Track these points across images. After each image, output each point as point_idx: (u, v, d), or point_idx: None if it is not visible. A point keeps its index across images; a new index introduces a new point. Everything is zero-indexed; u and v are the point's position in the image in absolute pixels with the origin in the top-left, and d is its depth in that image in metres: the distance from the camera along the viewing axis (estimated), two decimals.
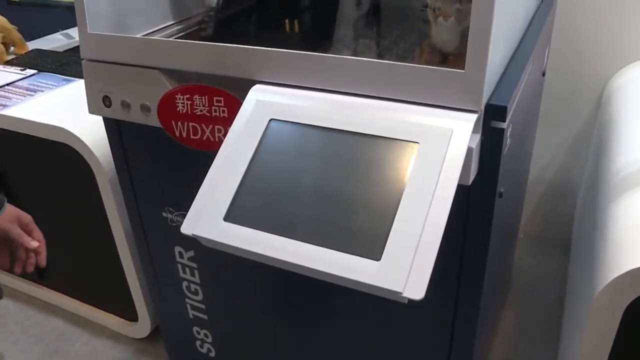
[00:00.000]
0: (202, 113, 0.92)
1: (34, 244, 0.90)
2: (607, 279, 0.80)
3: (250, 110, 0.82)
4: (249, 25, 1.30)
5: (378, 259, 0.67)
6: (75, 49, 1.82)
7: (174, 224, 1.17)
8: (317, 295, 1.08)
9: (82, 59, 1.01)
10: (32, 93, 1.48)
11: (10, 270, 0.91)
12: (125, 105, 1.01)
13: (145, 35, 1.10)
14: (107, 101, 1.03)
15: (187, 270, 1.23)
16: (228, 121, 0.90)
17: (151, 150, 1.09)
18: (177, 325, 1.38)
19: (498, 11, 0.70)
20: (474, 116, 0.74)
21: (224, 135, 0.89)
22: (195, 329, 1.34)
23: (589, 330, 0.85)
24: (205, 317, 1.30)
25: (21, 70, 1.64)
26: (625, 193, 0.99)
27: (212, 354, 1.37)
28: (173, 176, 1.10)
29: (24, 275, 1.75)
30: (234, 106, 0.88)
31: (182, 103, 0.93)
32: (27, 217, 0.91)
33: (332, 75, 0.81)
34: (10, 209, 0.88)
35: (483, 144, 0.78)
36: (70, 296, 1.72)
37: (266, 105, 0.82)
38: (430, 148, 0.72)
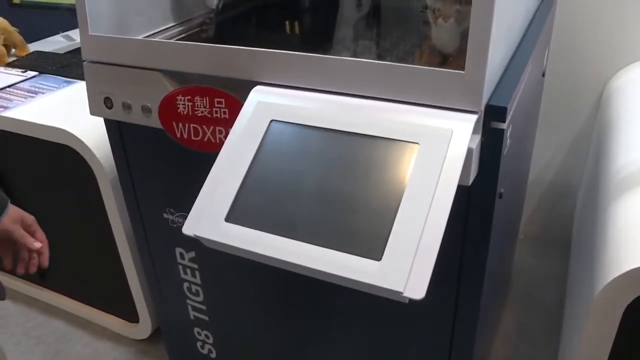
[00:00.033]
0: (203, 114, 0.93)
1: (37, 244, 0.91)
2: (607, 279, 0.80)
3: (251, 111, 0.83)
4: (250, 27, 1.31)
5: (379, 259, 0.67)
6: (76, 51, 1.82)
7: (175, 225, 1.17)
8: (318, 296, 1.09)
9: (84, 61, 1.02)
10: (33, 95, 1.49)
11: (13, 271, 0.91)
12: (127, 107, 1.01)
13: (146, 36, 1.10)
14: (108, 102, 1.03)
15: (188, 271, 1.23)
16: (229, 122, 0.90)
17: (152, 151, 1.10)
18: (178, 326, 1.38)
19: (498, 12, 0.70)
20: (474, 117, 0.74)
21: (225, 137, 0.90)
22: (196, 330, 1.35)
23: (589, 330, 0.85)
24: (206, 318, 1.30)
25: (22, 72, 1.64)
26: (625, 193, 1.00)
27: (213, 355, 1.38)
28: (174, 177, 1.11)
29: (25, 277, 1.75)
30: (234, 107, 0.89)
31: (183, 104, 0.94)
32: (30, 218, 0.91)
33: (332, 77, 0.81)
34: (13, 210, 0.89)
35: (483, 144, 0.78)
36: (71, 297, 1.72)
37: (267, 106, 0.82)
38: (430, 149, 0.72)
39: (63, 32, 1.99)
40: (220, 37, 1.19)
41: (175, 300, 1.31)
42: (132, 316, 1.58)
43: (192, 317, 1.32)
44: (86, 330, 1.67)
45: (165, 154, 1.08)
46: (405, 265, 0.65)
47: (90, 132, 1.30)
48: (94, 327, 1.68)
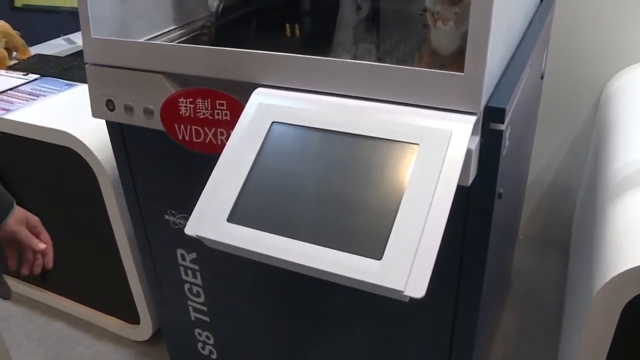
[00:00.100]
0: (204, 116, 0.94)
1: (42, 245, 0.92)
2: (606, 278, 0.81)
3: (253, 113, 0.84)
4: (250, 30, 1.31)
5: (379, 258, 0.68)
6: (77, 54, 1.83)
7: (177, 227, 1.18)
8: (318, 297, 1.09)
9: (86, 63, 1.02)
10: (35, 97, 1.49)
11: (17, 271, 0.92)
12: (129, 109, 1.02)
13: (148, 39, 1.11)
14: (110, 105, 1.04)
15: (189, 272, 1.24)
16: (230, 124, 0.91)
17: (154, 153, 1.10)
18: (179, 328, 1.39)
19: (496, 14, 0.71)
20: (473, 118, 0.75)
21: (227, 139, 0.90)
22: (197, 331, 1.35)
23: (589, 329, 0.86)
24: (207, 319, 1.30)
25: (24, 75, 1.65)
26: (624, 193, 1.00)
27: (214, 356, 1.38)
28: (175, 179, 1.11)
29: (27, 279, 1.76)
30: (236, 109, 0.89)
31: (184, 106, 0.95)
32: (35, 220, 0.92)
33: (333, 79, 0.82)
34: (19, 211, 0.90)
35: (482, 145, 0.79)
36: (73, 299, 1.73)
37: (268, 108, 0.83)
38: (430, 149, 0.73)
39: (64, 35, 2.00)
40: (222, 39, 1.20)
41: (176, 301, 1.32)
42: (132, 318, 1.59)
43: (193, 318, 1.33)
44: (87, 332, 1.68)
45: (166, 156, 1.09)
46: (406, 264, 0.66)
47: (91, 134, 1.30)
48: (95, 329, 1.68)
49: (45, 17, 1.89)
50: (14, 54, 1.80)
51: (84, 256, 1.56)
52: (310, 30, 1.28)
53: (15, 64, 1.74)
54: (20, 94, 1.52)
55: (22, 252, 0.92)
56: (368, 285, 0.67)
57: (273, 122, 0.82)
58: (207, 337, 1.35)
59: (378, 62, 0.80)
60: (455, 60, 0.92)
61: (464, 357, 1.02)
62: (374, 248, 0.68)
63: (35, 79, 1.62)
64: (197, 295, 1.27)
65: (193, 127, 0.96)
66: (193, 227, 0.78)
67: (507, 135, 0.82)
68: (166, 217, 1.18)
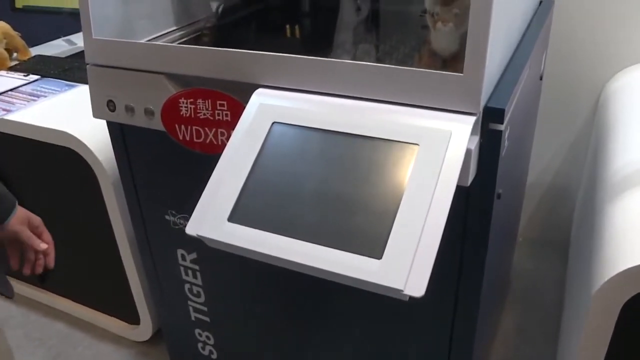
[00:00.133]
0: (205, 117, 0.94)
1: (43, 246, 0.92)
2: (605, 277, 0.81)
3: (254, 113, 0.84)
4: (251, 31, 1.32)
5: (379, 257, 0.68)
6: (78, 55, 1.84)
7: (177, 227, 1.18)
8: (318, 297, 1.10)
9: (87, 64, 1.03)
10: (36, 98, 1.50)
11: (19, 271, 0.92)
12: (130, 110, 1.02)
13: (149, 40, 1.11)
14: (111, 105, 1.05)
15: (190, 272, 1.24)
16: (231, 124, 0.91)
17: (154, 153, 1.11)
18: (179, 328, 1.39)
19: (496, 16, 0.72)
20: (473, 118, 0.75)
21: (227, 139, 0.91)
22: (197, 331, 1.35)
23: (588, 328, 0.86)
24: (207, 319, 1.31)
25: (24, 76, 1.65)
26: (623, 194, 1.01)
27: (214, 356, 1.38)
28: (176, 179, 1.12)
29: (27, 279, 1.76)
30: (236, 110, 0.90)
31: (185, 107, 0.95)
32: (36, 220, 0.93)
33: (333, 79, 0.82)
34: (21, 211, 0.90)
35: (482, 145, 0.79)
36: (73, 300, 1.73)
37: (269, 108, 0.84)
38: (429, 149, 0.73)
39: (64, 36, 2.00)
40: (222, 40, 1.20)
41: (176, 301, 1.32)
42: (133, 318, 1.59)
43: (193, 319, 1.33)
44: (87, 332, 1.68)
45: (167, 156, 1.09)
46: (406, 263, 0.66)
47: (92, 134, 1.31)
48: (95, 329, 1.68)
49: (46, 18, 1.90)
50: (15, 54, 1.80)
51: (85, 256, 1.56)
52: (310, 31, 1.29)
53: (15, 64, 1.75)
54: (21, 95, 1.53)
55: (24, 252, 0.92)
56: (368, 285, 0.68)
57: (273, 123, 0.82)
58: (207, 337, 1.35)
59: (378, 63, 0.80)
60: (455, 61, 0.93)
61: (464, 357, 1.02)
62: (374, 247, 0.69)
63: (36, 80, 1.63)
64: (198, 295, 1.27)
65: (194, 127, 0.96)
66: (194, 227, 0.79)
67: (506, 135, 0.82)
68: (167, 217, 1.18)
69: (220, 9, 1.25)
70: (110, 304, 1.65)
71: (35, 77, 1.64)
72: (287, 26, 1.24)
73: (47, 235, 0.94)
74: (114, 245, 1.43)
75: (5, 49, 1.74)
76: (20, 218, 0.89)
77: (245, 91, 0.88)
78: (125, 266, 1.46)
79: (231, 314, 1.27)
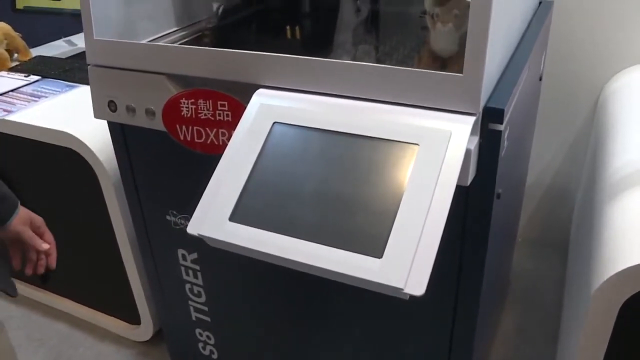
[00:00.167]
0: (206, 117, 0.94)
1: (45, 246, 0.92)
2: (604, 277, 0.82)
3: (254, 113, 0.84)
4: (251, 32, 1.32)
5: (380, 256, 0.68)
6: (78, 56, 1.84)
7: (178, 227, 1.18)
8: (319, 297, 1.10)
9: (88, 65, 1.03)
10: (36, 99, 1.50)
11: (21, 271, 0.93)
12: (131, 110, 1.03)
13: (150, 41, 1.12)
14: (112, 106, 1.05)
15: (190, 272, 1.25)
16: (232, 125, 0.92)
17: (155, 154, 1.11)
18: (179, 328, 1.39)
19: (495, 16, 0.72)
20: (472, 119, 0.76)
21: (228, 139, 0.91)
22: (197, 331, 1.36)
23: (587, 327, 0.87)
24: (208, 319, 1.31)
25: (25, 76, 1.66)
26: (622, 194, 1.01)
27: (215, 356, 1.39)
28: (177, 179, 1.12)
29: (28, 280, 1.76)
30: (237, 110, 0.90)
31: (186, 107, 0.95)
32: (39, 220, 0.93)
33: (334, 80, 0.83)
34: (23, 212, 0.90)
35: (481, 145, 0.80)
36: (74, 300, 1.73)
37: (270, 108, 0.84)
38: (429, 149, 0.74)
39: (65, 37, 2.01)
40: (223, 41, 1.21)
41: (177, 301, 1.32)
42: (133, 318, 1.59)
43: (193, 319, 1.33)
44: (88, 332, 1.68)
45: (168, 157, 1.09)
46: (406, 262, 0.67)
47: (92, 135, 1.31)
48: (96, 330, 1.69)
49: (46, 19, 1.90)
50: (15, 55, 1.81)
51: (85, 257, 1.57)
52: (310, 32, 1.29)
53: (16, 65, 1.75)
54: (21, 96, 1.53)
55: (26, 252, 0.93)
56: (369, 283, 0.68)
57: (274, 123, 0.83)
58: (207, 337, 1.35)
59: (378, 63, 0.81)
60: (455, 61, 0.93)
61: (464, 357, 1.02)
62: (375, 247, 0.69)
63: (37, 81, 1.63)
64: (198, 295, 1.28)
65: (194, 127, 0.96)
66: (195, 226, 0.79)
67: (505, 135, 0.83)
68: (167, 217, 1.19)
69: (220, 10, 1.25)
70: (111, 304, 1.65)
71: (36, 77, 1.65)
72: (288, 27, 1.24)
73: (49, 235, 0.95)
74: (114, 245, 1.44)
75: (6, 50, 1.75)
76: (23, 218, 0.90)
77: (246, 91, 0.88)
78: (126, 266, 1.47)
79: (232, 313, 1.27)
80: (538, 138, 1.65)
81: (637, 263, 0.79)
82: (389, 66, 0.79)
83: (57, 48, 1.94)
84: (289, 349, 1.24)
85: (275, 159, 0.80)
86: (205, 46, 0.93)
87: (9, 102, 1.49)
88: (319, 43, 1.23)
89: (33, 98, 1.51)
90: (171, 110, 0.97)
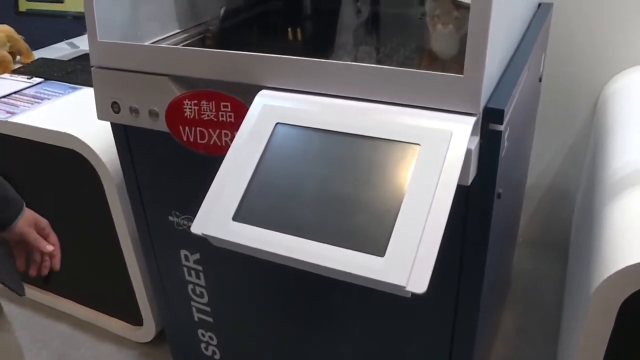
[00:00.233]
0: (209, 118, 0.95)
1: (50, 247, 0.93)
2: (604, 276, 0.82)
3: (257, 114, 0.85)
4: (253, 33, 1.33)
5: (382, 255, 0.69)
6: (80, 58, 1.85)
7: (181, 228, 1.19)
8: (321, 297, 1.11)
9: (92, 66, 1.04)
10: (39, 101, 1.51)
11: (25, 272, 0.93)
12: (134, 111, 1.04)
13: (153, 42, 1.13)
14: (115, 107, 1.06)
15: (193, 273, 1.25)
16: (235, 126, 0.92)
17: (158, 155, 1.12)
18: (182, 328, 1.40)
19: (495, 18, 0.73)
20: (473, 119, 0.77)
21: (231, 140, 0.92)
22: (200, 331, 1.36)
23: (587, 326, 0.87)
24: (210, 319, 1.32)
25: (28, 78, 1.67)
26: (621, 194, 1.02)
27: (217, 357, 1.39)
28: (180, 180, 1.13)
29: (30, 281, 1.77)
30: (240, 111, 0.91)
31: (189, 108, 0.96)
32: (43, 222, 0.94)
33: (336, 81, 0.83)
34: (28, 213, 0.91)
35: (482, 145, 0.81)
36: (76, 301, 1.74)
37: (272, 109, 0.85)
38: (431, 149, 0.74)
39: (67, 39, 2.01)
40: (225, 43, 1.22)
41: (179, 302, 1.33)
42: (135, 319, 1.60)
43: (196, 319, 1.34)
44: (90, 333, 1.69)
45: (171, 157, 1.10)
46: (408, 260, 0.67)
47: (95, 136, 1.32)
48: (98, 331, 1.69)
49: (48, 21, 1.91)
50: (18, 57, 1.82)
51: (88, 258, 1.57)
52: (311, 33, 1.30)
53: (19, 67, 1.76)
54: (24, 97, 1.54)
55: (30, 253, 0.93)
56: (371, 282, 0.69)
57: (277, 123, 0.84)
58: (210, 337, 1.36)
59: (379, 64, 0.82)
60: (455, 62, 0.94)
61: (465, 356, 1.03)
62: (377, 245, 0.70)
63: (39, 83, 1.64)
64: (201, 295, 1.28)
65: (198, 128, 0.97)
66: (199, 226, 0.80)
67: (506, 136, 0.84)
68: (170, 218, 1.19)
69: (222, 12, 1.26)
70: (113, 305, 1.66)
71: (39, 79, 1.66)
72: (289, 29, 1.25)
73: (53, 237, 0.95)
74: (117, 246, 1.44)
75: (9, 52, 1.75)
76: (28, 220, 0.90)
77: (248, 93, 0.89)
78: (128, 267, 1.47)
79: (234, 314, 1.27)
80: (538, 139, 1.66)
81: (636, 262, 0.79)
82: (391, 67, 0.79)
83: (60, 50, 1.95)
84: (291, 349, 1.24)
85: (278, 159, 0.81)
86: (208, 48, 0.94)
87: (12, 104, 1.49)
88: (320, 44, 1.24)
89: (36, 100, 1.52)
90: (174, 111, 0.98)
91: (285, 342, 1.24)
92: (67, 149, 1.34)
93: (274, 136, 0.83)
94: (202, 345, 1.39)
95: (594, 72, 1.57)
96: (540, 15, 1.25)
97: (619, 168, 1.10)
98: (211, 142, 0.97)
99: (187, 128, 0.98)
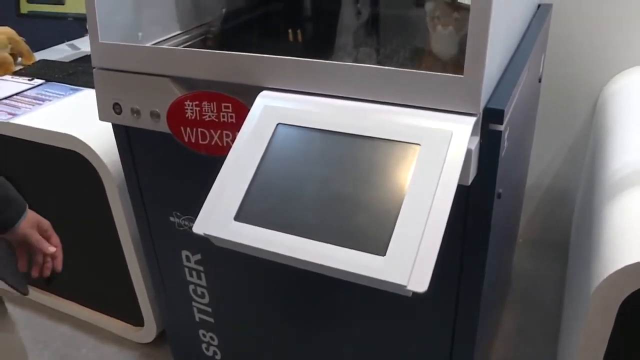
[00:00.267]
0: (210, 119, 0.96)
1: (52, 249, 0.93)
2: (604, 275, 0.83)
3: (258, 115, 0.86)
4: (254, 35, 1.34)
5: (383, 254, 0.70)
6: (81, 59, 1.85)
7: (182, 228, 1.20)
8: (322, 298, 1.11)
9: (94, 68, 1.05)
10: (41, 102, 1.51)
11: (27, 273, 0.94)
12: (135, 112, 1.04)
13: (154, 44, 1.13)
14: (117, 108, 1.06)
15: (194, 273, 1.26)
16: (236, 126, 0.93)
17: (159, 155, 1.12)
18: (183, 329, 1.40)
19: (495, 18, 0.73)
20: (473, 119, 0.77)
21: (232, 140, 0.92)
22: (201, 332, 1.37)
23: (587, 326, 0.88)
24: (211, 320, 1.32)
25: (29, 80, 1.67)
26: (621, 194, 1.02)
27: (218, 357, 1.40)
28: (181, 181, 1.13)
29: (32, 283, 1.77)
30: (241, 112, 0.91)
31: (191, 109, 0.97)
32: (45, 223, 0.94)
33: (337, 81, 0.84)
34: (31, 215, 0.91)
35: (482, 145, 0.81)
36: (77, 302, 1.74)
37: (274, 110, 0.85)
38: (431, 149, 0.75)
39: (68, 41, 2.02)
40: (226, 44, 1.22)
41: (180, 302, 1.33)
42: (137, 320, 1.60)
43: (197, 319, 1.34)
44: (92, 334, 1.69)
45: (172, 158, 1.10)
46: (409, 260, 0.68)
47: (97, 137, 1.32)
48: (100, 331, 1.70)
49: (49, 23, 1.92)
50: (19, 59, 1.82)
51: (89, 259, 1.58)
52: (312, 34, 1.30)
53: (20, 69, 1.76)
54: (26, 99, 1.54)
55: (32, 254, 0.93)
56: (372, 281, 0.69)
57: (278, 124, 0.84)
58: (211, 338, 1.36)
59: (379, 65, 0.82)
60: (454, 64, 0.95)
61: (465, 356, 1.03)
62: (378, 245, 0.70)
63: (41, 84, 1.64)
64: (202, 296, 1.28)
65: (199, 129, 0.98)
66: (201, 226, 0.80)
67: (506, 136, 0.84)
68: (171, 219, 1.20)
69: (225, 13, 1.27)
70: (114, 306, 1.66)
71: (40, 81, 1.66)
72: (290, 30, 1.26)
73: (55, 238, 0.96)
74: (118, 247, 1.45)
75: (10, 54, 1.76)
76: (30, 221, 0.91)
77: (249, 93, 0.90)
78: (129, 268, 1.48)
79: (235, 314, 1.28)
80: (538, 139, 1.67)
81: (636, 261, 0.80)
82: (392, 68, 0.80)
83: (61, 52, 1.95)
84: (292, 349, 1.25)
85: (280, 160, 0.81)
86: (209, 49, 0.94)
87: (14, 106, 1.50)
88: (320, 46, 1.25)
89: (37, 101, 1.52)
90: (176, 112, 0.98)
91: (286, 342, 1.24)
92: (69, 150, 1.34)
93: (275, 137, 0.83)
94: (203, 346, 1.39)
95: (594, 73, 1.58)
96: (540, 16, 1.26)
97: (619, 168, 1.10)
98: (212, 143, 0.98)
99: (188, 129, 0.99)
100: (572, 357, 1.02)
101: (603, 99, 1.52)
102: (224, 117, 0.94)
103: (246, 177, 0.80)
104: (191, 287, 1.28)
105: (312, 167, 0.79)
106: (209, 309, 1.30)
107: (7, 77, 1.71)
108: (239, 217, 0.78)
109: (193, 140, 0.99)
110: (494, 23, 0.74)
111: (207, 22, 1.26)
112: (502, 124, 0.80)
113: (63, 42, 2.02)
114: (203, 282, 1.26)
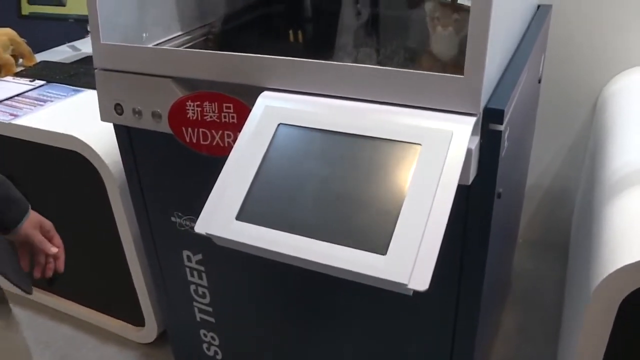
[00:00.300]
0: (212, 119, 0.96)
1: (54, 250, 0.93)
2: (604, 274, 0.83)
3: (260, 115, 0.86)
4: (255, 35, 1.34)
5: (384, 253, 0.70)
6: (82, 61, 1.86)
7: (183, 229, 1.20)
8: (322, 298, 1.11)
9: (95, 69, 1.05)
10: (42, 103, 1.52)
11: (29, 274, 0.94)
12: (137, 113, 1.05)
13: (156, 45, 1.14)
14: (119, 109, 1.07)
15: (195, 273, 1.26)
16: (237, 127, 0.93)
17: (161, 156, 1.13)
18: (184, 329, 1.40)
19: (495, 19, 0.74)
20: (473, 119, 0.77)
21: (234, 141, 0.93)
22: (202, 331, 1.37)
23: (587, 325, 0.88)
24: (212, 319, 1.32)
25: (30, 81, 1.67)
26: (621, 194, 1.02)
27: (219, 357, 1.40)
28: (182, 181, 1.14)
29: (34, 283, 1.77)
30: (243, 112, 0.92)
31: (192, 110, 0.97)
32: (48, 224, 0.94)
33: (337, 82, 0.84)
34: (33, 215, 0.91)
35: (482, 145, 0.81)
36: (78, 303, 1.74)
37: (275, 110, 0.86)
38: (432, 149, 0.75)
39: (69, 42, 2.03)
40: (227, 45, 1.22)
41: (181, 302, 1.34)
42: (137, 320, 1.60)
43: (198, 319, 1.35)
44: (93, 334, 1.69)
45: (173, 159, 1.11)
46: (410, 258, 0.68)
47: (98, 138, 1.32)
48: (101, 332, 1.70)
49: (51, 25, 1.92)
50: (21, 61, 1.82)
51: (90, 259, 1.58)
52: (312, 35, 1.31)
53: (21, 70, 1.77)
54: (27, 100, 1.55)
55: (35, 255, 0.94)
56: (374, 280, 0.70)
57: (279, 124, 0.84)
58: (212, 337, 1.36)
59: (379, 65, 0.82)
60: (454, 64, 0.95)
61: (466, 356, 1.04)
62: (379, 244, 0.71)
63: (42, 85, 1.65)
64: (203, 296, 1.29)
65: (200, 129, 0.98)
66: (203, 226, 0.81)
67: (506, 136, 0.84)
68: (172, 219, 1.20)
69: (226, 14, 1.27)
70: (115, 306, 1.66)
71: (41, 82, 1.66)
72: (290, 31, 1.26)
73: (57, 239, 0.96)
74: (119, 247, 1.45)
75: (12, 55, 1.76)
76: (33, 222, 0.91)
77: (251, 94, 0.90)
78: (130, 268, 1.48)
79: (236, 314, 1.28)
80: (538, 140, 1.67)
81: (636, 260, 0.80)
82: (392, 68, 0.80)
83: (62, 53, 1.96)
84: (292, 349, 1.25)
85: (281, 160, 0.82)
86: (211, 50, 0.94)
87: (15, 107, 1.50)
88: (321, 46, 1.25)
89: (39, 102, 1.52)
90: (177, 112, 0.99)
91: (286, 342, 1.25)
92: (70, 150, 1.35)
93: (277, 137, 0.83)
94: (204, 346, 1.40)
95: (593, 74, 1.58)
96: (540, 16, 1.26)
97: (619, 168, 1.10)
98: (214, 143, 0.98)
99: (189, 129, 0.99)
100: (572, 356, 1.02)
101: (603, 100, 1.52)
102: (225, 117, 0.95)
103: (248, 176, 0.81)
104: (192, 287, 1.29)
105: (314, 167, 0.79)
106: (210, 309, 1.30)
107: (9, 78, 1.72)
108: (241, 216, 0.79)
109: (194, 141, 1.00)
110: (494, 24, 0.74)
111: (208, 22, 1.27)
112: (502, 124, 0.80)
113: (64, 43, 2.03)
114: (204, 282, 1.26)
